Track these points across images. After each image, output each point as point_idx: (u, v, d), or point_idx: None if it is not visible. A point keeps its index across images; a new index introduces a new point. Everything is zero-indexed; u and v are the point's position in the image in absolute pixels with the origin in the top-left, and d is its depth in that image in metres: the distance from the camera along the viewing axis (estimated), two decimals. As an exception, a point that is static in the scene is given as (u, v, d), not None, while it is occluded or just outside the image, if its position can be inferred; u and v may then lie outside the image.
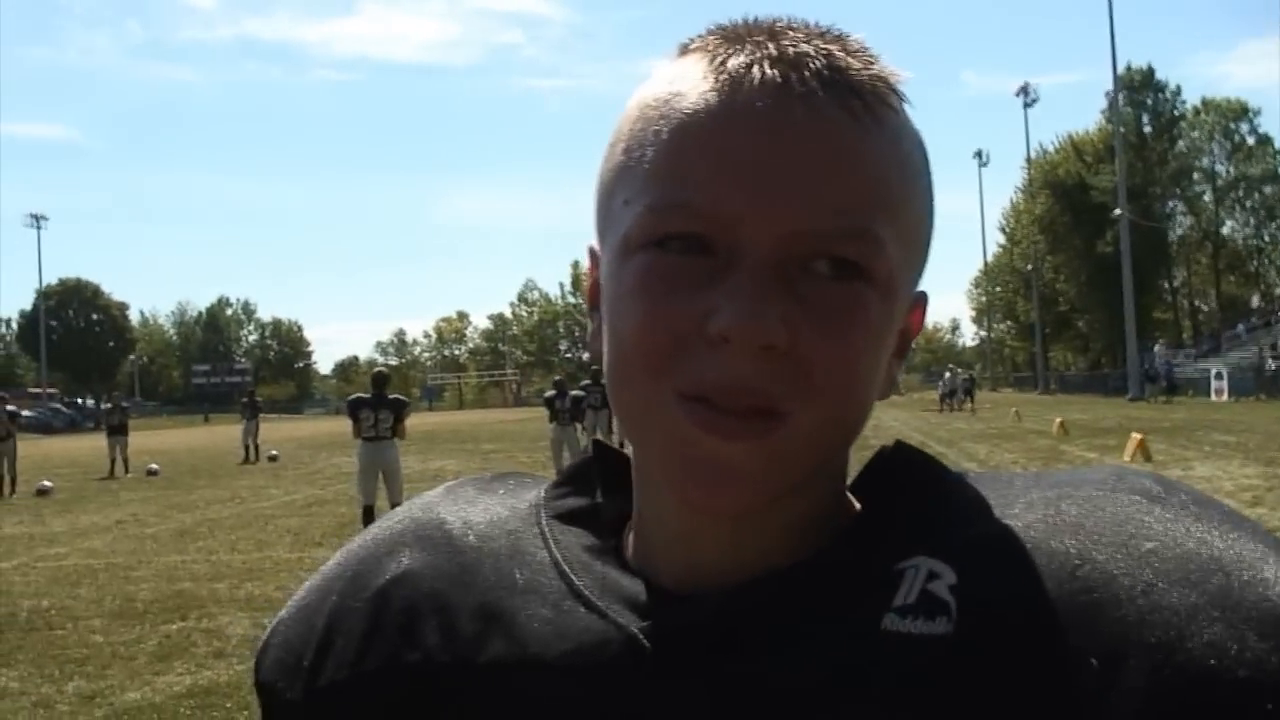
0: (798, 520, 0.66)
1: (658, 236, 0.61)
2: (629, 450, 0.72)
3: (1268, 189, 70.94)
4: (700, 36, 0.67)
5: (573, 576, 0.69)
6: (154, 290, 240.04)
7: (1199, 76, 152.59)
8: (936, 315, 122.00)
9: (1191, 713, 0.54)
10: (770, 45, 0.62)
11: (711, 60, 0.63)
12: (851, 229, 0.60)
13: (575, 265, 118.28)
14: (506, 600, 0.69)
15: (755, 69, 0.61)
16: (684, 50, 0.67)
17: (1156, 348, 56.31)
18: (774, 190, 0.59)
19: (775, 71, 0.61)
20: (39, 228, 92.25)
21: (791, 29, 0.64)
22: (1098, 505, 0.62)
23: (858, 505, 0.70)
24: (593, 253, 0.72)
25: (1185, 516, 0.60)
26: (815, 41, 0.63)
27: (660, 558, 0.68)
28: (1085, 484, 0.64)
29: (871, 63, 0.63)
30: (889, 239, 0.61)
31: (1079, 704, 0.55)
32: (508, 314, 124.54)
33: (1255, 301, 69.10)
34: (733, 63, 0.62)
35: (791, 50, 0.62)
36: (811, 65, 0.61)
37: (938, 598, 0.60)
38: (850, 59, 0.62)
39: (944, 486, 0.68)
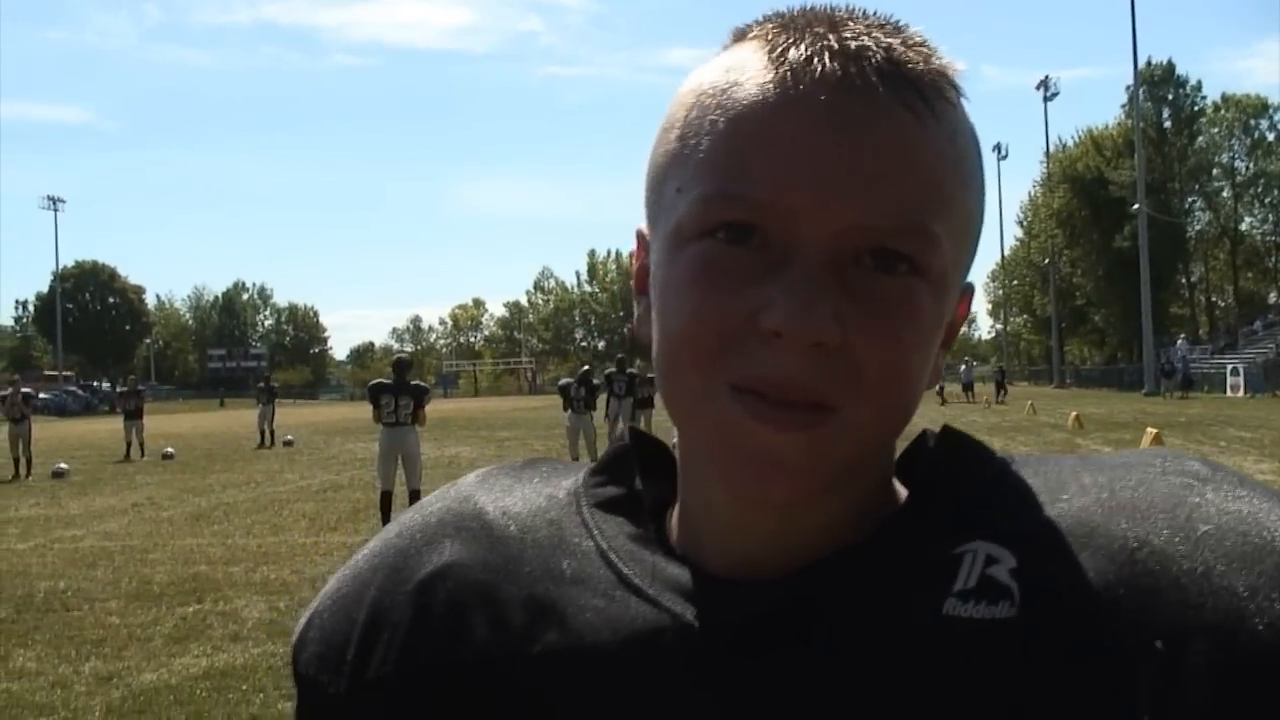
0: (847, 508, 0.66)
1: (711, 227, 0.61)
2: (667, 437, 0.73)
3: (1287, 185, 70.45)
4: (758, 23, 0.66)
5: (620, 565, 0.68)
6: (170, 274, 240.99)
7: (1219, 73, 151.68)
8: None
9: (1258, 692, 0.55)
10: (831, 37, 0.61)
11: (771, 50, 0.62)
12: (908, 226, 0.60)
13: (591, 254, 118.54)
14: (555, 591, 0.68)
15: (816, 61, 0.60)
16: (740, 37, 0.66)
17: (1179, 342, 56.01)
18: (832, 185, 0.59)
19: (836, 64, 0.60)
20: (56, 210, 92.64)
21: (852, 19, 0.63)
22: (1150, 488, 0.62)
23: (904, 492, 0.70)
24: (641, 236, 0.71)
25: (1236, 498, 0.61)
26: (876, 34, 0.61)
27: (708, 546, 0.68)
28: (1135, 467, 0.65)
29: (931, 56, 0.62)
30: (943, 235, 0.61)
31: (1145, 686, 0.56)
32: (524, 302, 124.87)
33: (1273, 298, 68.70)
34: (793, 53, 0.61)
35: (852, 43, 0.60)
36: (873, 59, 0.60)
37: (999, 582, 0.60)
38: (910, 52, 0.61)
39: (993, 471, 0.67)
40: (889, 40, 0.61)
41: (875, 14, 0.64)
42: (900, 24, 0.64)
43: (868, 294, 0.60)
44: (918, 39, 0.63)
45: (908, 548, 0.64)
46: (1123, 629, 0.57)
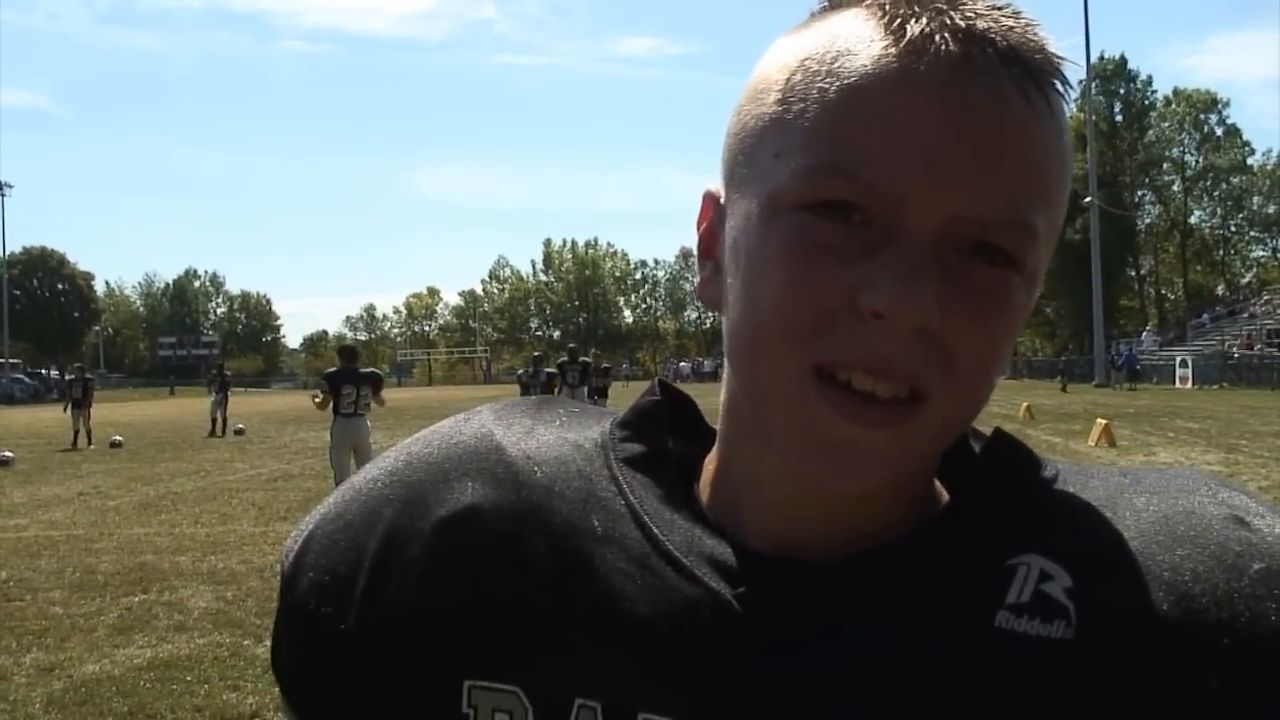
0: (897, 499, 0.65)
1: (814, 200, 0.58)
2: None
3: (1235, 179, 71.65)
4: None
5: (654, 528, 0.66)
6: (121, 261, 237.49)
7: (1169, 67, 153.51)
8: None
9: None
10: (953, 15, 0.59)
11: (888, 21, 0.59)
12: (1014, 219, 0.58)
13: (547, 243, 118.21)
14: (585, 548, 0.66)
15: (938, 38, 0.58)
16: (835, 5, 0.63)
17: (1144, 335, 56.92)
18: (947, 171, 0.57)
19: (958, 44, 0.58)
20: (3, 195, 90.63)
21: None
22: (1204, 519, 0.62)
23: (943, 491, 0.69)
24: (712, 199, 0.68)
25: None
26: (994, 15, 0.59)
27: (747, 519, 0.66)
28: (1185, 493, 0.64)
29: (1046, 43, 0.60)
30: (1041, 229, 0.60)
31: None
32: (479, 291, 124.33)
33: (1221, 291, 69.82)
34: (912, 28, 0.58)
35: (975, 23, 0.58)
36: (994, 42, 0.58)
37: (1055, 600, 0.59)
38: (1029, 37, 0.59)
39: (1045, 482, 0.66)
40: (1009, 23, 0.59)
41: None
42: (1015, 7, 0.61)
43: (966, 283, 0.58)
44: (1032, 22, 0.60)
45: (958, 551, 0.62)
46: (1178, 662, 0.57)
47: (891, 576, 0.62)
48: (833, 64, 0.59)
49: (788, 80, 0.61)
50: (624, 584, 0.64)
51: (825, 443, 0.59)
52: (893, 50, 0.58)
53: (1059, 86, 0.61)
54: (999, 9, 0.60)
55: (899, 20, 0.59)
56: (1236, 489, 0.65)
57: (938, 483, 0.68)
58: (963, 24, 0.58)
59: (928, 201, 0.57)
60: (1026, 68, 0.59)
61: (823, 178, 0.58)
